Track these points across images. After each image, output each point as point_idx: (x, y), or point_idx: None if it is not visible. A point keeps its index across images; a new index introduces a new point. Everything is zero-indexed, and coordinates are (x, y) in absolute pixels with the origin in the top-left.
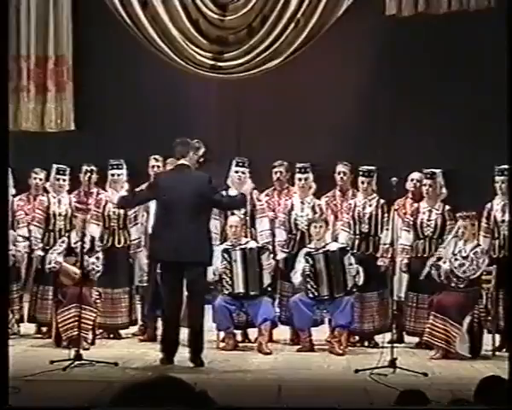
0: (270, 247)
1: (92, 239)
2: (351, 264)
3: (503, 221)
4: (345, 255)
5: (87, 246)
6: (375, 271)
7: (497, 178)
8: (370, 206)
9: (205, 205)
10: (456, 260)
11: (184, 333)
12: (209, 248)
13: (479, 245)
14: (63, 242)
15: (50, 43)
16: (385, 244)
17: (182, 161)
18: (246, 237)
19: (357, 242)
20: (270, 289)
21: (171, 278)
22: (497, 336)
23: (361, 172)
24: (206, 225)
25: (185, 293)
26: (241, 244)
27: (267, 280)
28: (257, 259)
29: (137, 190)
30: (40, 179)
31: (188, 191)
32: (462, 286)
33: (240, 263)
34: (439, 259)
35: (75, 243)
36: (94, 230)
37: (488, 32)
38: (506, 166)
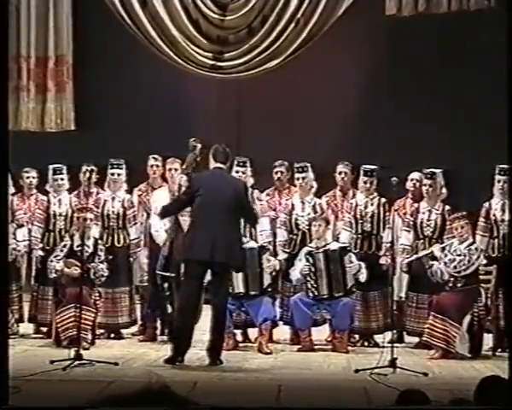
0: (271, 247)
1: (95, 242)
2: (351, 262)
3: (502, 220)
4: (345, 255)
5: (90, 249)
6: (377, 269)
7: (499, 177)
8: (372, 205)
9: (238, 208)
10: (446, 256)
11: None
12: (241, 253)
13: (473, 243)
14: (64, 246)
15: (50, 43)
16: (387, 243)
17: (220, 165)
18: (245, 236)
19: (359, 241)
20: (270, 289)
21: (196, 278)
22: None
23: (364, 172)
24: (239, 230)
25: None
26: None
27: (267, 280)
28: (257, 259)
29: (174, 197)
30: (33, 178)
31: (224, 193)
32: (459, 285)
33: None
34: (434, 258)
35: (78, 247)
36: (93, 230)
37: (488, 32)
38: (507, 166)
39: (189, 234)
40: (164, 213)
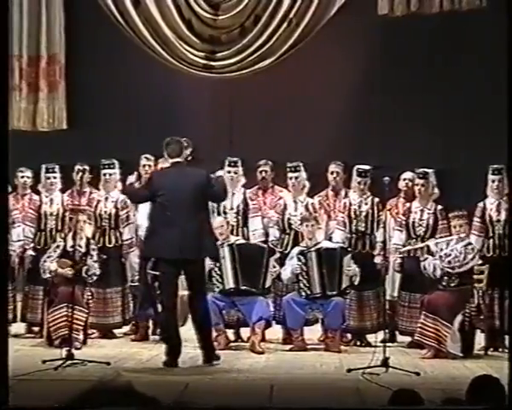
0: (266, 246)
1: (87, 242)
2: (349, 266)
3: (498, 221)
4: (344, 255)
5: (82, 249)
6: (371, 269)
7: (493, 177)
8: (366, 204)
9: (204, 200)
10: (441, 250)
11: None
12: (213, 242)
13: (470, 243)
14: (58, 247)
15: (43, 43)
16: (381, 242)
17: (177, 159)
18: (237, 234)
19: (353, 240)
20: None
21: (170, 277)
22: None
23: (357, 172)
24: (208, 221)
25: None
26: (229, 241)
27: (269, 282)
28: (265, 259)
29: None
30: (27, 177)
31: (186, 188)
32: (453, 285)
33: (228, 259)
34: (429, 252)
35: (71, 247)
36: (87, 230)
37: (480, 32)
38: (502, 166)
39: (155, 233)
40: (128, 192)
